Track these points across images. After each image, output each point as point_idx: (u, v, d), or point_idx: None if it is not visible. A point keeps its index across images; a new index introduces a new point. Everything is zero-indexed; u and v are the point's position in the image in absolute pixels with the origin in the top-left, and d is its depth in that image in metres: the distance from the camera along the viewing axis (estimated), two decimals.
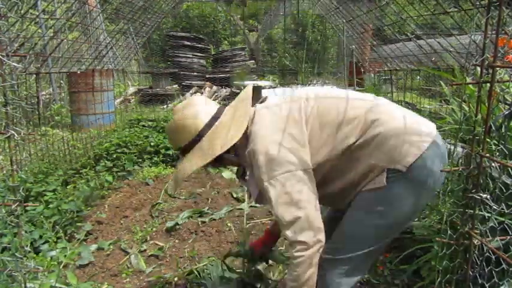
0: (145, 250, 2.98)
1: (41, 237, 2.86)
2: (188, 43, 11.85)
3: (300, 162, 1.46)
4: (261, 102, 1.63)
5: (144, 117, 6.46)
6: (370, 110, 1.51)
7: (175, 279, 2.57)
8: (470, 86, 1.92)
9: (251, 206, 3.77)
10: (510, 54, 1.67)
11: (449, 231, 1.39)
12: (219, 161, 1.63)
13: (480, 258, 1.42)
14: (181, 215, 3.50)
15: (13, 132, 1.37)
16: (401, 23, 6.07)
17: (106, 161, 4.72)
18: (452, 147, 1.52)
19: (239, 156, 1.66)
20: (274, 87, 10.03)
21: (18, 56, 2.15)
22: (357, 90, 5.42)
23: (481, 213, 1.46)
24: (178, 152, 1.68)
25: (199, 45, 12.10)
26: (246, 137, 1.57)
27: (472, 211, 1.35)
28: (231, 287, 2.17)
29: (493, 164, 1.39)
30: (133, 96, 10.61)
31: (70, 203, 3.31)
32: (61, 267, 2.60)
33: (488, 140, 1.46)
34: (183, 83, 11.32)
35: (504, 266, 1.34)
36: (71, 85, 6.49)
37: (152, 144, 5.21)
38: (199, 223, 3.40)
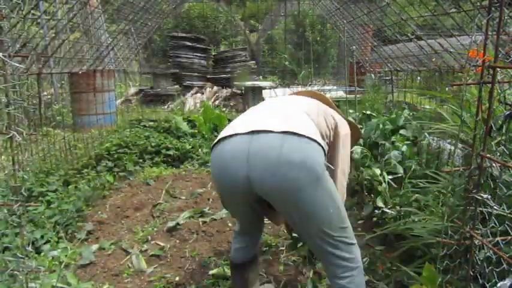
0: (146, 250, 2.98)
1: (42, 237, 2.87)
2: (189, 43, 11.84)
3: None
4: None
5: (145, 117, 6.48)
6: None
7: (177, 278, 2.58)
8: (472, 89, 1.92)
9: None
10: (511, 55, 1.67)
11: (450, 231, 1.39)
12: None
13: (481, 258, 1.42)
14: (182, 215, 3.50)
15: (15, 132, 1.38)
16: (402, 23, 6.07)
17: (107, 161, 4.73)
18: (452, 148, 1.52)
19: None
20: (275, 88, 10.03)
21: (20, 57, 2.15)
22: (358, 91, 5.42)
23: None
24: None
25: (200, 46, 12.10)
26: None
27: (473, 211, 1.36)
28: None
29: (493, 164, 1.40)
30: (134, 97, 10.64)
31: (71, 203, 3.31)
32: (62, 267, 2.61)
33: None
34: (184, 84, 11.32)
35: (505, 266, 1.34)
36: (72, 85, 6.51)
37: (153, 144, 5.21)
38: (200, 223, 3.40)
